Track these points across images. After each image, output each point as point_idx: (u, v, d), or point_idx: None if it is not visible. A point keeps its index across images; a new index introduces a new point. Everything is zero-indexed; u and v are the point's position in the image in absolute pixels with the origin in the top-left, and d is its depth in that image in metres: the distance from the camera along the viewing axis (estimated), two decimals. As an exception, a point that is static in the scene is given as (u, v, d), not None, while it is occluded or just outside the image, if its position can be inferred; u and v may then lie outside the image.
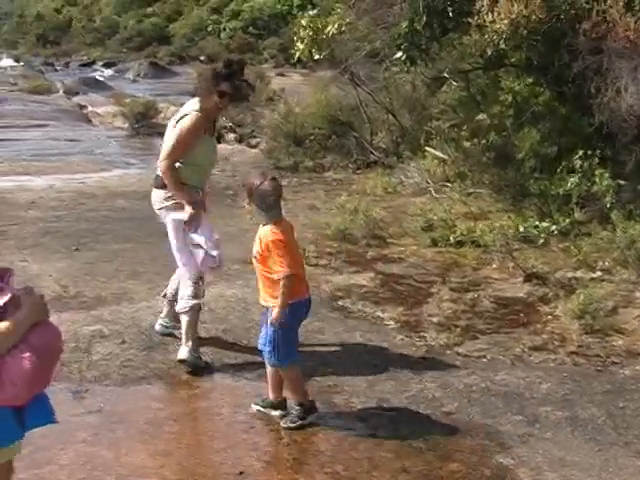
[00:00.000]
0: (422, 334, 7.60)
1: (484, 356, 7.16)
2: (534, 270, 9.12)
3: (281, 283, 5.71)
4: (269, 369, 6.03)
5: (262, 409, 6.07)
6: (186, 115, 6.82)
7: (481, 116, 12.72)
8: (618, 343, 7.46)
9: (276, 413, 6.02)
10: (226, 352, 7.10)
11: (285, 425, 5.90)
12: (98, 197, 13.24)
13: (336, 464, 5.45)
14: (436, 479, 5.32)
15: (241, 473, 5.36)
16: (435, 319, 7.96)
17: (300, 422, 5.90)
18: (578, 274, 9.10)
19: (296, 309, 5.90)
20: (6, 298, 3.54)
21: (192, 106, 6.91)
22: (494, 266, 9.49)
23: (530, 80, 12.10)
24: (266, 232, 5.82)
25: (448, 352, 7.23)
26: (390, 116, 16.12)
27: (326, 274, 9.22)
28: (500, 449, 5.68)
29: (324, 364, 6.89)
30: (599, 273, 9.10)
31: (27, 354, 3.59)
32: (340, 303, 8.36)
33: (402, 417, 6.06)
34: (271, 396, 6.07)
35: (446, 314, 8.09)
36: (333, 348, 7.25)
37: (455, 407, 6.23)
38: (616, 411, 6.21)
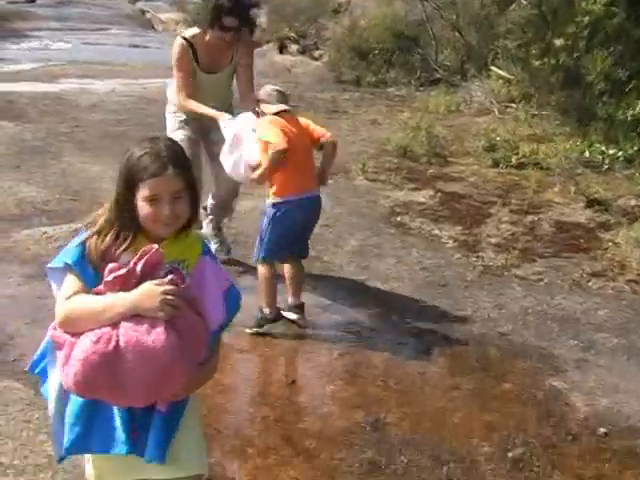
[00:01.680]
0: (479, 254, 7.55)
1: (541, 279, 7.11)
2: (596, 196, 9.00)
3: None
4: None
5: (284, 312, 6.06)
6: None
7: (551, 36, 12.42)
8: (680, 271, 7.37)
9: (294, 316, 6.03)
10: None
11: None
12: (159, 102, 13.18)
13: (388, 377, 5.48)
14: (488, 398, 5.33)
15: (293, 382, 5.41)
16: (493, 240, 7.90)
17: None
18: (642, 203, 8.97)
19: (289, 208, 5.86)
20: (120, 272, 2.95)
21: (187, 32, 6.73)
22: (556, 190, 9.38)
23: (605, 0, 11.77)
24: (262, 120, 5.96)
25: (505, 273, 7.18)
26: (456, 33, 15.84)
27: (385, 189, 9.18)
28: (554, 372, 5.66)
29: (379, 278, 6.89)
30: (663, 201, 8.96)
31: (103, 340, 2.89)
32: (398, 219, 8.32)
33: (456, 335, 6.05)
34: (289, 300, 6.07)
35: (505, 235, 8.02)
36: (389, 264, 7.23)
37: (510, 329, 6.22)
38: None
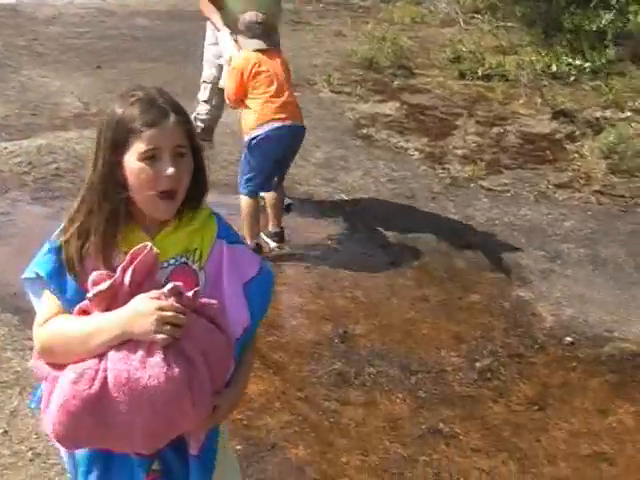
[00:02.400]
0: (446, 166, 7.53)
1: (508, 191, 7.11)
2: (562, 107, 8.96)
3: None
4: None
5: (264, 237, 5.98)
6: None
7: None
8: (643, 184, 7.39)
9: (273, 244, 5.94)
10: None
11: None
12: (119, 15, 12.95)
13: (356, 290, 5.48)
14: (455, 309, 5.35)
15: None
16: (460, 152, 7.87)
17: None
18: (607, 113, 8.92)
19: (262, 139, 5.67)
20: (102, 287, 2.31)
21: None
22: (522, 101, 9.32)
23: None
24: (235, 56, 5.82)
25: (472, 185, 7.17)
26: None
27: (350, 102, 9.08)
28: (520, 283, 5.69)
29: (345, 191, 6.85)
30: (629, 113, 8.92)
31: (85, 380, 2.29)
32: (364, 131, 8.25)
33: (423, 247, 6.05)
34: (270, 227, 5.98)
35: (471, 147, 7.99)
36: (356, 176, 7.18)
37: (477, 240, 6.22)
38: (638, 251, 6.19)
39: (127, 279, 2.31)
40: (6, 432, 3.94)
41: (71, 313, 2.38)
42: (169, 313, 2.26)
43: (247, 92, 5.69)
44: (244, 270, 2.51)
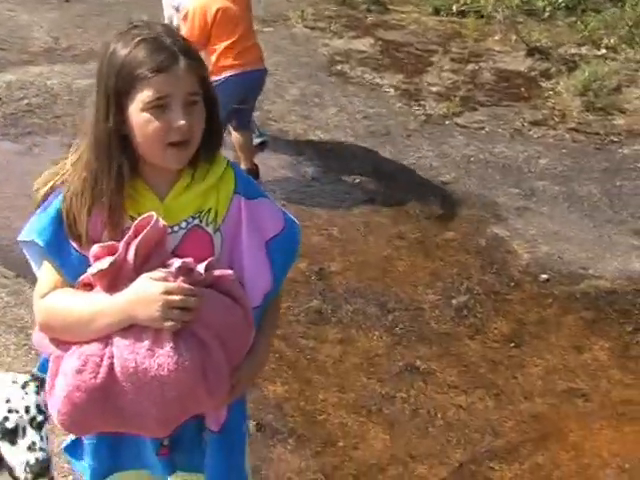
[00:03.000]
0: (421, 102, 7.47)
1: (483, 128, 7.07)
2: (537, 44, 8.89)
3: None
4: None
5: None
6: None
7: None
8: (619, 122, 7.35)
9: None
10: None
11: None
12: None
13: (332, 227, 5.46)
14: (431, 246, 5.34)
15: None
16: (434, 88, 7.81)
17: None
18: (582, 50, 8.86)
19: (222, 83, 5.42)
20: (103, 265, 2.08)
21: None
22: (496, 38, 9.24)
23: None
24: None
25: (447, 122, 7.13)
26: None
27: (324, 37, 8.97)
28: (496, 220, 5.68)
29: (320, 128, 6.80)
30: (604, 50, 8.87)
31: (90, 368, 2.10)
32: (339, 68, 8.16)
33: (399, 184, 6.03)
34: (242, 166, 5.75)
35: (446, 84, 7.93)
36: (330, 113, 7.12)
37: (452, 177, 6.21)
38: (613, 189, 6.20)
39: (131, 255, 2.09)
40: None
41: (73, 285, 2.16)
42: (177, 297, 2.04)
43: (210, 38, 5.57)
44: (266, 227, 2.26)
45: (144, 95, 2.06)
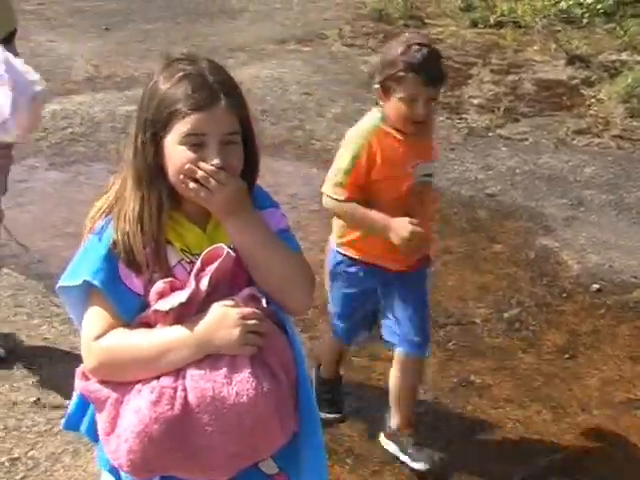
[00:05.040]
0: (463, 116, 7.45)
1: (527, 139, 7.04)
2: (577, 52, 8.85)
3: None
4: None
5: None
6: None
7: None
8: (662, 127, 7.31)
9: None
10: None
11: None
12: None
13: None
14: (479, 260, 5.32)
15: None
16: (476, 101, 7.79)
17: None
18: (623, 56, 8.82)
19: (352, 275, 3.69)
20: (182, 298, 2.09)
21: None
22: (536, 48, 9.21)
23: None
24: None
25: (490, 134, 7.11)
26: None
27: (363, 55, 8.98)
28: (544, 231, 5.65)
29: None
30: (645, 55, 8.83)
31: (165, 399, 2.06)
32: (378, 85, 8.15)
33: (445, 198, 5.98)
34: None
35: (487, 96, 7.91)
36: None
37: (498, 189, 6.18)
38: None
39: (204, 286, 2.09)
40: (39, 399, 3.94)
41: (128, 325, 2.14)
42: (253, 321, 2.08)
43: None
44: (272, 224, 2.26)
45: (180, 128, 2.07)
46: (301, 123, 7.06)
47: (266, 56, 8.75)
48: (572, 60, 8.70)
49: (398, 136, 3.43)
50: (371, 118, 3.55)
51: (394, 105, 3.38)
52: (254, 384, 2.04)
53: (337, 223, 3.68)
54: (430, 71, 3.31)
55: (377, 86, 3.45)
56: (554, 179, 6.34)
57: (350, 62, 8.72)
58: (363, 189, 3.47)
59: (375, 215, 3.44)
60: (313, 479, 2.33)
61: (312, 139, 6.87)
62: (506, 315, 4.76)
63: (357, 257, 3.64)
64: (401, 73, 3.30)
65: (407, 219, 3.37)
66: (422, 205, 3.56)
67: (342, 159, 3.46)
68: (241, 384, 2.04)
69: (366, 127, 3.53)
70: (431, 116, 3.51)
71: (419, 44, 3.36)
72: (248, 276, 2.21)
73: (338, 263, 3.72)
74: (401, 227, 3.38)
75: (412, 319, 3.65)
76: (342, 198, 3.44)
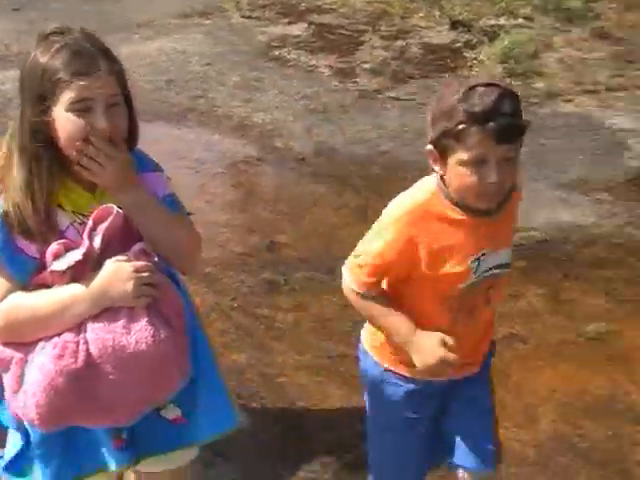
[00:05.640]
0: (355, 80, 7.39)
1: (414, 99, 7.01)
2: (459, 18, 8.82)
3: None
4: None
5: None
6: None
7: None
8: (538, 85, 7.32)
9: None
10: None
11: None
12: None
13: (279, 202, 5.40)
14: (373, 213, 5.19)
15: (188, 215, 5.26)
16: (367, 66, 7.72)
17: None
18: (501, 21, 8.81)
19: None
20: (76, 257, 2.08)
21: None
22: (421, 15, 9.15)
23: None
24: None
25: (380, 96, 7.06)
26: None
27: (261, 26, 8.84)
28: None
29: (262, 110, 6.70)
30: (521, 20, 8.85)
31: (69, 354, 2.07)
32: (276, 53, 8.03)
33: (339, 157, 5.97)
34: None
35: (377, 61, 7.83)
36: (271, 95, 7.02)
37: (389, 147, 6.15)
38: (537, 148, 6.16)
39: (97, 244, 2.10)
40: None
41: (25, 289, 2.12)
42: (145, 274, 2.10)
43: None
44: (157, 190, 2.30)
45: (66, 96, 2.05)
46: (203, 92, 6.94)
47: (170, 30, 8.55)
48: (455, 25, 8.67)
49: (458, 216, 2.41)
50: (420, 191, 2.55)
51: (453, 171, 2.37)
52: (151, 332, 2.07)
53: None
54: (502, 121, 2.25)
55: (429, 147, 2.47)
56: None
57: (248, 33, 8.57)
58: (395, 287, 2.53)
59: (397, 322, 2.44)
60: (213, 421, 2.34)
61: (214, 106, 6.76)
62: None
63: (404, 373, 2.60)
64: (462, 126, 2.28)
65: (438, 337, 2.35)
66: (485, 306, 2.54)
67: (373, 241, 2.57)
68: (139, 333, 2.06)
69: (408, 205, 2.52)
70: (510, 183, 2.36)
71: (486, 85, 2.31)
72: (139, 233, 2.20)
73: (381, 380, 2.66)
74: (427, 349, 2.37)
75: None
76: (360, 290, 2.54)
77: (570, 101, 7.01)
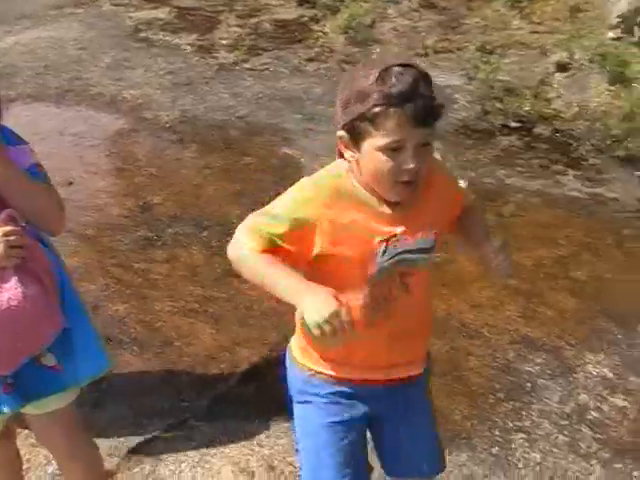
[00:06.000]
0: (215, 54, 7.23)
1: (268, 69, 6.92)
2: (305, -5, 8.75)
3: None
4: None
5: None
6: None
7: None
8: (376, 50, 7.33)
9: None
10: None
11: None
12: None
13: (151, 167, 5.26)
14: (234, 171, 5.22)
15: (70, 183, 5.08)
16: (225, 42, 7.57)
17: None
18: (341, -5, 8.78)
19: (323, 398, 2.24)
20: None
21: None
22: (271, -6, 9.04)
23: None
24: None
25: (237, 68, 6.93)
26: None
27: (129, 11, 8.53)
28: (285, 143, 5.59)
29: (132, 87, 6.49)
30: (358, -6, 8.82)
31: None
32: (143, 35, 7.79)
33: (203, 124, 5.84)
34: None
35: (234, 37, 7.69)
36: (139, 73, 6.80)
37: (246, 112, 6.05)
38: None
39: None
40: None
41: None
42: (13, 237, 2.03)
43: None
44: (23, 161, 2.18)
45: None
46: (79, 74, 6.69)
47: (48, 21, 8.20)
48: (301, 2, 8.58)
49: (365, 199, 2.03)
50: (330, 173, 2.11)
51: (368, 157, 1.98)
52: (21, 289, 2.02)
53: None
54: (421, 102, 1.89)
55: (341, 133, 2.02)
56: (291, 99, 6.27)
57: (117, 18, 8.26)
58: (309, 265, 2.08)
59: (286, 274, 1.95)
60: (87, 366, 2.30)
61: (89, 86, 6.51)
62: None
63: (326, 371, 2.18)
64: (378, 108, 1.90)
65: (332, 291, 1.85)
66: (407, 296, 2.10)
67: (279, 206, 2.12)
68: (11, 291, 2.01)
69: (318, 185, 2.08)
70: (425, 171, 1.99)
71: (401, 65, 1.93)
72: (6, 201, 2.11)
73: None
74: (319, 300, 1.84)
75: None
76: (249, 246, 2.05)
77: (404, 63, 7.02)
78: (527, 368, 3.73)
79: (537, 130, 5.96)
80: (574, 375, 3.70)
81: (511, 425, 3.40)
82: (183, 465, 3.15)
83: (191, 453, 3.19)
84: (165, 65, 6.97)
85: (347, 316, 1.81)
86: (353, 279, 2.04)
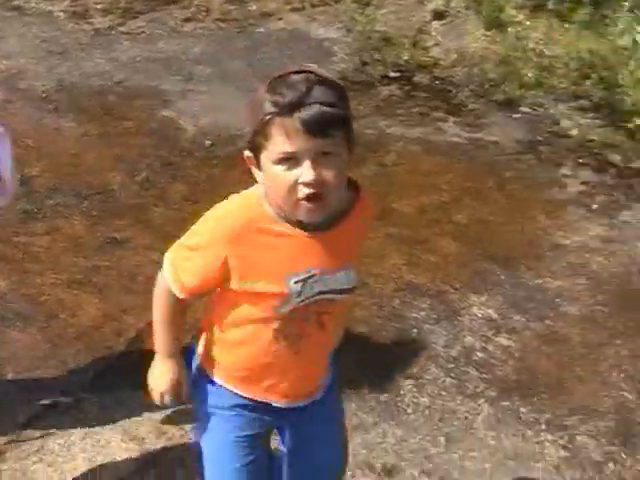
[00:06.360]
0: (89, 20, 6.94)
1: (144, 32, 6.70)
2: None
3: None
4: None
5: None
6: None
7: None
8: (253, 7, 7.18)
9: None
10: None
11: None
12: None
13: (26, 138, 4.97)
14: (113, 137, 5.05)
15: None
16: (99, 6, 7.23)
17: None
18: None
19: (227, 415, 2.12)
20: None
21: None
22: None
23: None
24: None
25: (113, 32, 6.69)
26: None
27: None
28: (164, 105, 5.44)
29: (5, 57, 6.17)
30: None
31: None
32: (15, 3, 7.39)
33: (80, 90, 5.62)
34: None
35: (108, 1, 7.38)
36: (12, 42, 6.47)
37: (124, 76, 5.84)
38: (256, 62, 6.07)
39: None
40: None
41: None
42: None
43: None
44: None
45: None
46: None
47: None
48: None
49: (282, 228, 1.86)
50: (241, 205, 1.93)
51: (266, 174, 1.81)
52: None
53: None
54: (312, 110, 1.70)
55: (246, 152, 1.87)
56: (169, 60, 6.10)
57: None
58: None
59: (167, 334, 2.09)
60: None
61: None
62: (138, 178, 4.59)
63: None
64: (266, 118, 1.74)
65: (170, 376, 2.04)
66: (320, 332, 1.97)
67: (194, 257, 1.98)
68: None
69: (230, 221, 1.91)
70: (335, 184, 1.77)
71: (298, 72, 1.77)
72: None
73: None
74: (157, 375, 2.08)
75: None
76: (162, 286, 2.11)
77: (281, 19, 6.93)
78: (413, 314, 3.77)
79: (416, 79, 5.99)
80: (459, 318, 3.76)
81: (399, 372, 3.44)
82: (73, 438, 3.08)
83: (80, 425, 3.12)
84: (39, 33, 6.65)
85: (160, 403, 2.10)
86: (266, 316, 1.92)
